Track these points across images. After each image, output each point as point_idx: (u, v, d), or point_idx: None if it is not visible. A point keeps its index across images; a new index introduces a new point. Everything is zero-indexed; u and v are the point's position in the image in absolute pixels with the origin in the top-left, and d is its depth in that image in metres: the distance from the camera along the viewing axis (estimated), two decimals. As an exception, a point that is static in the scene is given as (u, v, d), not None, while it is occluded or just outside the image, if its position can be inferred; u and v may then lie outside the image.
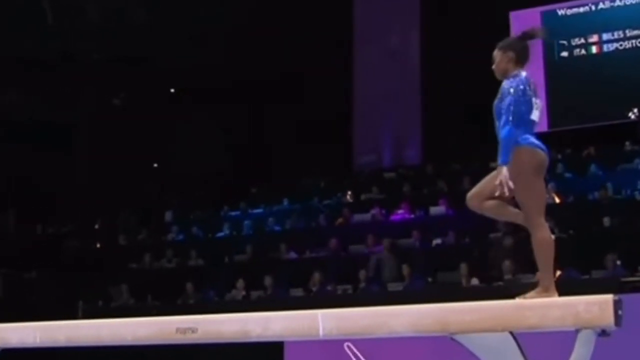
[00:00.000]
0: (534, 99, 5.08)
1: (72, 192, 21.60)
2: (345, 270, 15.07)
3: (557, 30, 19.38)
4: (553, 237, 5.00)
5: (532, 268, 12.87)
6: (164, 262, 17.90)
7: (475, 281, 13.44)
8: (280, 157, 21.27)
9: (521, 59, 5.19)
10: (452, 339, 4.17)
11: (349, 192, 19.31)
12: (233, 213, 19.90)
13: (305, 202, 19.33)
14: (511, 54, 5.19)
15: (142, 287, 16.44)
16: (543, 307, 4.06)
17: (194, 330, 4.66)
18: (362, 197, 18.93)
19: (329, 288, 14.62)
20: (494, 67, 5.26)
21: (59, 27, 19.41)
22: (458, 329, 4.10)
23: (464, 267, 13.56)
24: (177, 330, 4.72)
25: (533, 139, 5.03)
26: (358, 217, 17.44)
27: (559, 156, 18.26)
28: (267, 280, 15.05)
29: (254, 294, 15.11)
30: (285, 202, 19.67)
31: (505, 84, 5.09)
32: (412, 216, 17.07)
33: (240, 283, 15.34)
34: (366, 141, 22.00)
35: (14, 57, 20.02)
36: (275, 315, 4.54)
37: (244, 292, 15.27)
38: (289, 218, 18.45)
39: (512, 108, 4.97)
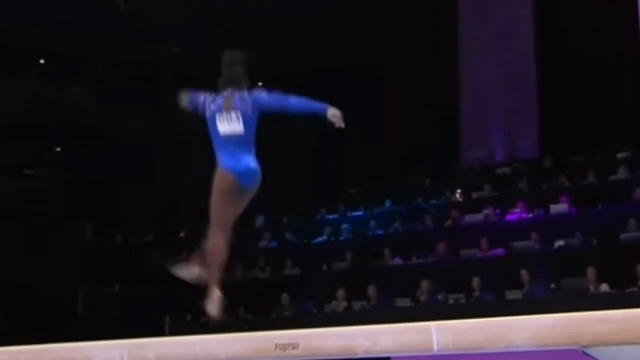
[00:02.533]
0: (217, 114, 6.03)
1: (153, 198, 21.94)
2: (457, 278, 14.97)
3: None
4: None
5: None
6: (256, 272, 18.07)
7: (605, 287, 13.19)
8: (380, 154, 21.22)
9: None
10: (584, 352, 4.09)
11: (458, 191, 19.16)
12: (331, 216, 19.94)
13: (409, 202, 19.26)
14: None
15: (233, 300, 16.61)
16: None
17: (294, 347, 4.67)
18: (473, 195, 18.77)
19: (439, 297, 14.55)
20: None
21: (134, 19, 19.79)
22: (591, 341, 4.02)
23: (591, 272, 13.33)
24: (277, 346, 4.74)
25: (224, 162, 6.03)
26: (469, 218, 17.30)
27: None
28: (371, 290, 15.07)
29: (356, 305, 15.14)
30: (388, 203, 19.62)
31: None
32: (530, 216, 16.84)
33: (340, 293, 15.39)
34: (475, 134, 21.79)
35: (87, 56, 20.48)
36: (385, 328, 4.54)
37: (345, 303, 15.31)
38: (392, 221, 18.40)
39: None
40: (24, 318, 17.96)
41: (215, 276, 6.47)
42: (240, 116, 6.05)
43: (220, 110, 6.05)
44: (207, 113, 6.11)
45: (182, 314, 16.55)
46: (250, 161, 6.06)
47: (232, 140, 6.05)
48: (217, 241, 6.42)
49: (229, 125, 6.02)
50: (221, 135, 6.04)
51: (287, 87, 6.36)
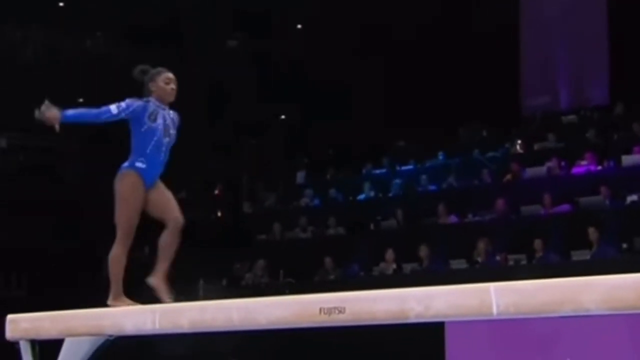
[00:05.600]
0: None
1: (184, 153, 21.94)
2: (517, 237, 14.94)
3: None
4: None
5: None
6: (298, 232, 18.15)
7: (683, 247, 13.13)
8: (432, 102, 21.11)
9: None
10: (660, 316, 4.07)
11: (519, 142, 19.06)
12: (378, 171, 19.94)
13: (465, 155, 19.19)
14: None
15: (272, 262, 16.72)
16: None
17: (340, 310, 4.67)
18: (535, 146, 18.67)
19: (497, 258, 14.53)
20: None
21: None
22: (669, 304, 3.99)
23: (667, 230, 13.26)
24: (321, 310, 4.74)
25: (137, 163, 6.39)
26: (531, 172, 17.23)
27: None
28: (422, 251, 15.08)
29: (407, 267, 15.17)
30: (441, 155, 19.58)
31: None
32: (600, 168, 16.73)
33: (389, 254, 15.41)
34: (538, 78, 21.61)
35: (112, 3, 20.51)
36: (439, 290, 4.52)
37: (394, 265, 15.34)
38: (446, 175, 18.37)
39: None
40: (47, 282, 18.20)
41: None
42: None
43: None
44: None
45: (217, 278, 16.67)
46: None
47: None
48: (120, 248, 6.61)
49: None
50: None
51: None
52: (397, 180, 18.66)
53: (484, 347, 10.82)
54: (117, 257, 6.46)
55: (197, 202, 21.36)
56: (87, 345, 6.10)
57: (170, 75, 6.50)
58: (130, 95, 6.39)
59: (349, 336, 8.47)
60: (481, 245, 14.62)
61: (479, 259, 14.63)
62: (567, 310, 4.27)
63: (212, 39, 22.87)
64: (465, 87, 20.65)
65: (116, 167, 6.49)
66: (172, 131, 6.51)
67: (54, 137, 21.55)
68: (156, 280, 6.49)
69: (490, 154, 19.03)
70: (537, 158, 17.73)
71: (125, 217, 6.46)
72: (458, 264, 14.67)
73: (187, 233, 19.81)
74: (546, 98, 21.35)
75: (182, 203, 21.13)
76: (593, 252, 13.71)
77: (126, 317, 5.78)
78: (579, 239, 14.11)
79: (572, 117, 19.96)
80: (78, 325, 5.95)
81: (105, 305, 6.23)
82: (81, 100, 22.89)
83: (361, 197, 18.90)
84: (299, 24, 23.66)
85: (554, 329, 10.16)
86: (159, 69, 6.55)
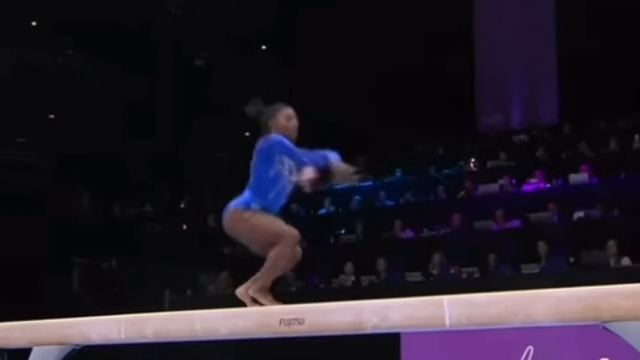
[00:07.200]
0: None
1: (152, 166, 21.88)
2: (471, 251, 15.00)
3: None
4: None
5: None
6: (261, 246, 18.09)
7: (626, 261, 13.18)
8: (390, 120, 21.13)
9: None
10: (604, 328, 4.09)
11: (473, 160, 19.16)
12: (338, 187, 19.93)
13: (421, 172, 19.25)
14: None
15: (236, 275, 16.65)
16: None
17: (300, 322, 4.68)
18: (489, 165, 18.77)
19: (452, 272, 14.57)
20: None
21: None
22: (613, 317, 4.01)
23: (612, 245, 13.31)
24: (281, 321, 4.75)
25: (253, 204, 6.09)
26: (484, 189, 17.31)
27: None
28: (380, 264, 15.09)
29: (365, 280, 15.17)
30: (399, 172, 19.62)
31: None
32: (549, 186, 16.83)
33: (348, 267, 15.43)
34: (491, 98, 21.72)
35: (82, 18, 20.42)
36: (395, 302, 4.53)
37: (353, 278, 15.35)
38: (403, 191, 18.41)
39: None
40: (16, 293, 18.02)
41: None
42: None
43: None
44: None
45: (183, 289, 16.59)
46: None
47: None
48: None
49: None
50: None
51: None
52: (357, 197, 18.68)
53: (439, 357, 10.84)
54: (283, 253, 6.11)
55: (163, 215, 21.28)
56: (54, 355, 6.04)
57: (291, 111, 5.97)
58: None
59: (308, 347, 8.47)
60: (436, 258, 14.67)
61: (434, 272, 14.67)
62: (518, 322, 4.29)
63: (181, 57, 22.85)
64: (423, 106, 20.68)
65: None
66: (292, 173, 6.09)
67: (26, 152, 21.31)
68: (242, 290, 6.21)
69: (446, 171, 19.11)
70: (490, 176, 17.82)
71: (266, 232, 6.14)
72: (414, 277, 14.69)
73: (155, 246, 19.67)
74: (499, 117, 21.46)
75: (150, 217, 21.09)
76: (542, 266, 13.78)
77: (92, 327, 5.73)
78: (529, 253, 14.20)
79: (523, 137, 20.07)
80: (47, 334, 5.89)
81: (74, 314, 6.16)
82: (52, 116, 22.82)
83: (322, 211, 18.90)
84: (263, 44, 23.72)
85: (506, 340, 10.20)
86: (277, 105, 5.98)
